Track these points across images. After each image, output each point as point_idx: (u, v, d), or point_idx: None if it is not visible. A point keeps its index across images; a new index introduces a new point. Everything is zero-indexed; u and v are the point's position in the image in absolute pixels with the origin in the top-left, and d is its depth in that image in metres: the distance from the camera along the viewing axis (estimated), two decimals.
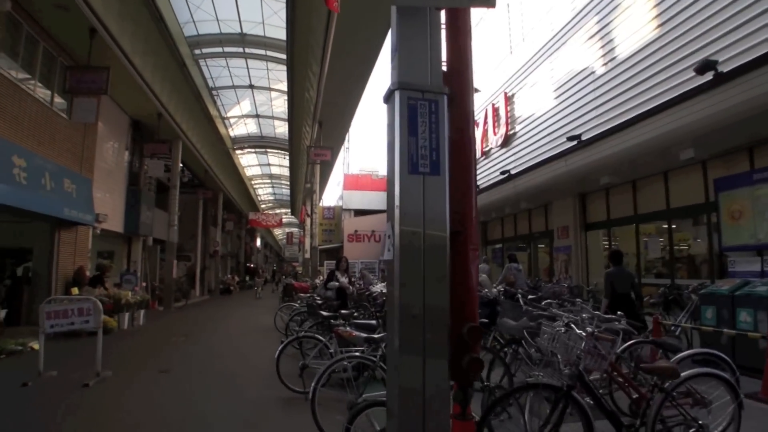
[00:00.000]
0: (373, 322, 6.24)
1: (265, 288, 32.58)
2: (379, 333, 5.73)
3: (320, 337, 5.80)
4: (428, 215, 2.28)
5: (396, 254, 2.17)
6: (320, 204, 21.16)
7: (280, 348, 5.78)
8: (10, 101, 9.75)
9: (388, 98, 2.41)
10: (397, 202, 2.23)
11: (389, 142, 2.41)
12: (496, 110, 15.83)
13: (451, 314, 2.27)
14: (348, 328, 5.98)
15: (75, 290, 11.26)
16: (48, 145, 11.23)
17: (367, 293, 8.17)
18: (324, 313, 6.24)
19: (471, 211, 2.61)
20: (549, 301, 7.89)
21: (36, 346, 8.86)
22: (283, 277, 29.12)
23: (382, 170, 38.56)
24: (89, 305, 6.39)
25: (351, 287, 8.50)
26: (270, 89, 20.35)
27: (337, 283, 8.02)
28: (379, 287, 8.44)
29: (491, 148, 16.10)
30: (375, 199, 36.56)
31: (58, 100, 11.92)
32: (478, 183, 16.21)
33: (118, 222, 15.96)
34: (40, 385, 6.07)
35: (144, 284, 17.39)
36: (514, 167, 14.19)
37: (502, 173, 14.51)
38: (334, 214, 38.54)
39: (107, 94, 11.21)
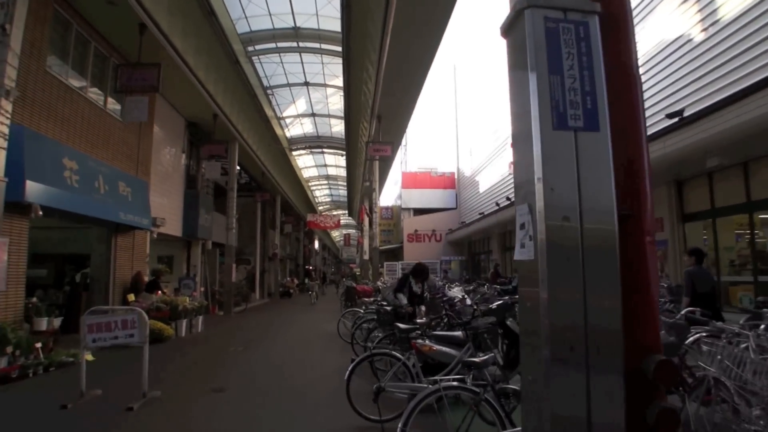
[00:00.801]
0: (458, 333, 5.16)
1: (322, 289, 32.11)
2: (475, 352, 4.65)
3: (398, 355, 4.77)
4: (586, 191, 1.54)
5: (539, 250, 1.50)
6: (379, 203, 20.22)
7: (350, 367, 4.79)
8: (61, 102, 9.41)
9: (512, 24, 1.73)
10: (538, 172, 1.53)
11: (516, 89, 1.72)
12: None
13: (625, 338, 1.52)
14: (428, 342, 4.94)
15: (131, 296, 10.87)
16: (102, 147, 10.91)
17: (444, 299, 7.07)
18: (401, 326, 5.19)
19: (643, 183, 1.76)
20: None
21: (89, 357, 8.41)
22: (343, 279, 28.45)
23: (441, 167, 37.28)
24: (134, 317, 5.69)
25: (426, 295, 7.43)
26: (326, 85, 19.68)
27: (404, 299, 6.98)
28: (456, 291, 7.32)
29: None
30: (434, 197, 35.40)
31: (112, 104, 11.63)
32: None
33: (176, 226, 15.72)
34: (80, 408, 5.40)
35: (203, 289, 17.11)
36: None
37: None
38: (393, 214, 37.70)
39: (159, 91, 10.77)
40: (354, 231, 62.67)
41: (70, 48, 9.97)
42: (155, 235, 13.08)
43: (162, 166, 14.50)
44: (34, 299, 8.96)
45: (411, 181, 36.14)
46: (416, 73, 13.87)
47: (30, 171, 7.92)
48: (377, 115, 16.43)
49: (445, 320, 6.63)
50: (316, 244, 59.87)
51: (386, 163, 23.58)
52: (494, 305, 5.51)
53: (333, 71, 18.27)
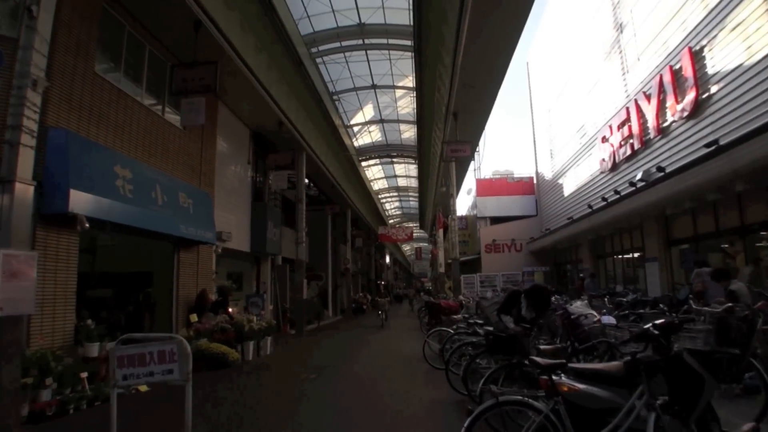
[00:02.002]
0: (602, 365, 3.47)
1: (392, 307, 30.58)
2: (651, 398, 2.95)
3: (539, 406, 3.14)
4: None
5: None
6: (456, 209, 18.52)
7: (468, 424, 3.19)
8: (113, 107, 8.66)
9: None
10: None
11: None
12: (675, 73, 12.00)
13: None
14: (568, 380, 3.28)
15: (194, 317, 9.93)
16: (160, 157, 10.14)
17: (566, 316, 5.30)
18: (540, 361, 3.42)
19: None
20: None
21: (143, 387, 7.40)
22: (420, 294, 26.84)
23: (518, 171, 34.93)
24: (172, 347, 4.45)
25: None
26: (394, 87, 18.45)
27: (511, 322, 5.26)
28: (578, 306, 5.53)
29: (672, 122, 12.24)
30: (512, 204, 33.06)
31: (171, 112, 10.92)
32: (661, 167, 12.46)
33: (243, 241, 14.90)
34: None
35: (271, 307, 16.18)
36: (721, 136, 10.29)
37: (707, 146, 10.65)
38: (468, 224, 35.69)
39: (216, 91, 9.87)
40: (425, 244, 61.00)
41: (123, 50, 9.28)
42: (219, 250, 12.21)
43: (227, 178, 13.73)
44: (89, 321, 8.12)
45: (486, 188, 34.01)
46: (499, 56, 12.18)
47: (75, 179, 7.08)
48: (453, 111, 14.87)
49: (577, 346, 4.90)
50: (387, 259, 58.70)
51: (463, 167, 21.77)
52: (652, 326, 3.64)
53: (402, 70, 17.01)
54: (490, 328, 5.77)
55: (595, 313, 5.21)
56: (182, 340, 4.52)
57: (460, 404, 5.75)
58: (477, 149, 27.95)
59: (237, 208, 14.45)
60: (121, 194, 8.11)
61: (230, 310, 11.31)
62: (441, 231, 29.93)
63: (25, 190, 5.23)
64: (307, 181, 20.27)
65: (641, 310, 7.74)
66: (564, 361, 3.31)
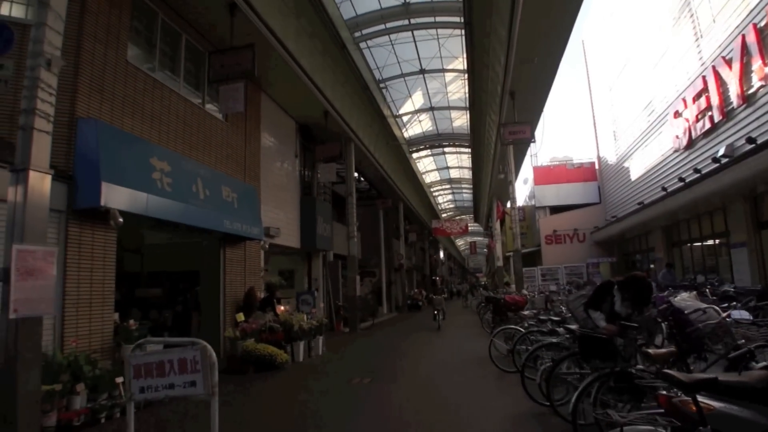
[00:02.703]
0: (746, 377, 2.46)
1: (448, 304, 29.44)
2: None
3: None
4: None
5: None
6: (516, 197, 17.14)
7: None
8: (149, 98, 8.23)
9: None
10: None
11: None
12: (760, 32, 10.32)
13: None
14: (712, 399, 2.29)
15: (240, 316, 9.41)
16: (202, 149, 9.70)
17: (671, 311, 4.21)
18: (681, 376, 2.41)
19: None
20: None
21: None
22: (481, 289, 25.61)
23: (578, 157, 32.93)
24: (195, 355, 3.77)
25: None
26: (444, 70, 17.40)
27: (601, 319, 4.17)
28: (686, 299, 4.42)
29: (760, 87, 10.56)
30: (573, 192, 31.12)
31: (213, 106, 10.50)
32: (751, 137, 10.80)
33: (293, 237, 14.40)
34: None
35: (322, 305, 15.63)
36: None
37: None
38: (525, 215, 33.99)
39: (255, 75, 9.33)
40: (480, 238, 59.18)
41: (157, 39, 8.85)
42: (266, 246, 11.70)
43: (273, 172, 13.24)
44: (131, 321, 7.73)
45: (544, 176, 32.20)
46: (561, 20, 10.90)
47: (107, 171, 6.65)
48: (510, 91, 13.71)
49: (685, 348, 3.83)
50: (441, 254, 57.42)
51: (521, 151, 20.15)
52: None
53: (451, 51, 15.96)
54: (572, 326, 4.78)
55: (716, 309, 4.08)
56: (206, 345, 3.82)
57: (542, 418, 4.80)
58: (532, 138, 26.11)
59: (285, 203, 13.96)
60: (158, 188, 7.66)
61: (281, 308, 10.77)
62: (498, 223, 28.57)
63: (41, 180, 4.74)
64: (356, 174, 19.63)
65: (753, 303, 6.43)
66: (715, 376, 2.31)
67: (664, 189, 16.35)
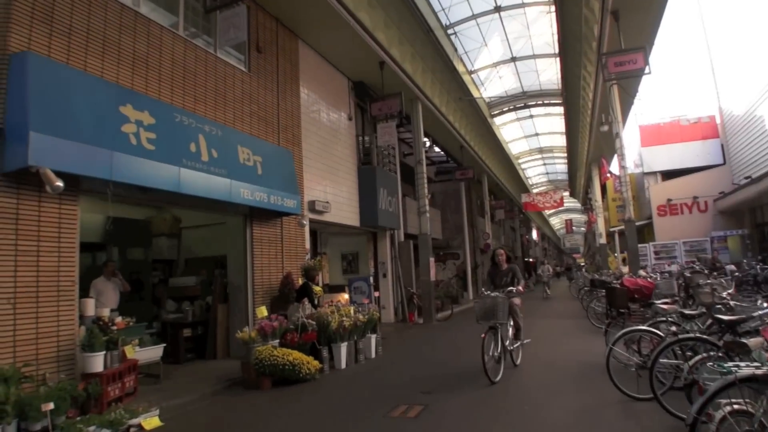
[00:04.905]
0: None
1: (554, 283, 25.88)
2: None
3: None
4: None
5: None
6: (625, 152, 13.33)
7: None
8: (128, 36, 6.39)
9: None
10: None
11: None
12: None
13: None
14: None
15: (262, 310, 7.41)
16: (211, 103, 7.78)
17: None
18: None
19: None
20: None
21: (154, 422, 5.01)
22: (583, 271, 22.06)
23: (694, 111, 27.69)
24: None
25: None
26: (524, 5, 14.28)
27: None
28: None
29: None
30: (689, 153, 25.99)
31: (231, 53, 8.60)
32: None
33: (350, 213, 12.30)
34: None
35: (391, 292, 13.45)
36: None
37: None
38: (631, 183, 29.35)
39: None
40: (577, 215, 53.80)
41: None
42: (303, 222, 9.63)
43: (320, 136, 11.17)
44: (118, 320, 6.01)
45: (653, 135, 27.21)
46: None
47: (39, 119, 4.85)
48: (611, 9, 10.46)
49: None
50: (534, 234, 52.87)
51: (628, 97, 15.99)
52: None
53: None
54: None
55: None
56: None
57: None
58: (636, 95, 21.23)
59: (339, 173, 11.86)
60: (131, 144, 5.79)
61: (340, 297, 8.61)
62: (599, 192, 24.66)
63: None
64: (427, 141, 17.11)
65: None
66: None
67: None
